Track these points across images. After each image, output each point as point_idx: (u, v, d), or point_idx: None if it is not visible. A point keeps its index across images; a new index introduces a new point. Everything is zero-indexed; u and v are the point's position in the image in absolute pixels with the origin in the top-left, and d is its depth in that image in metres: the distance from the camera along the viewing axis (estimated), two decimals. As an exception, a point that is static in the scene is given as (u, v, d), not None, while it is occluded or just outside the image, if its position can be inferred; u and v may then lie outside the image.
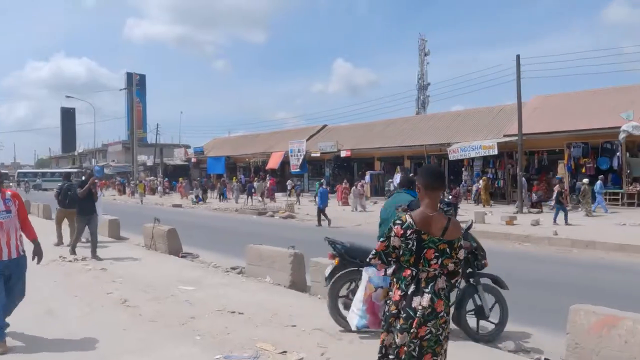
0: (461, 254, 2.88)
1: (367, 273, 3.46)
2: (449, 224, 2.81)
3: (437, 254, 2.77)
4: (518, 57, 21.16)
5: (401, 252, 2.79)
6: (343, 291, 4.99)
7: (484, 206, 21.26)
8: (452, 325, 4.18)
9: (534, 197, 19.66)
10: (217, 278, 7.61)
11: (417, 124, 31.28)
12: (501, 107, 26.90)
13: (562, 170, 21.62)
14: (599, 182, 18.26)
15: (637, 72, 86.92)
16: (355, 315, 3.41)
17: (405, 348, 2.73)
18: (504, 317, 4.94)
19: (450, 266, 2.82)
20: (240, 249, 9.16)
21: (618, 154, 19.81)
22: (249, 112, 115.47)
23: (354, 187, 22.66)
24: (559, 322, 5.09)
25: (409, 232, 2.77)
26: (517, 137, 21.27)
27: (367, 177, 28.49)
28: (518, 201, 19.61)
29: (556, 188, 16.04)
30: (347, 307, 4.70)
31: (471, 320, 4.90)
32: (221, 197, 30.93)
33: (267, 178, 31.57)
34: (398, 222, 2.83)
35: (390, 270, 2.90)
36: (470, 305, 4.90)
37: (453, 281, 2.89)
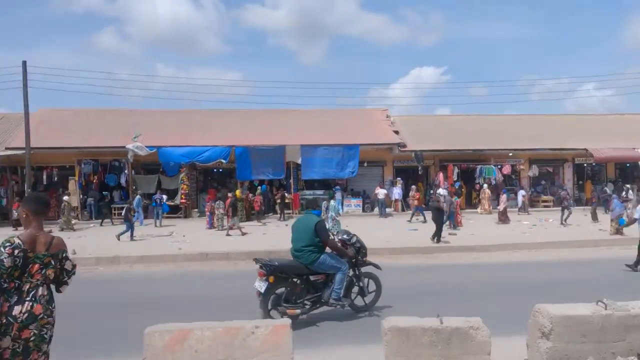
0: (68, 265, 3.48)
1: None
2: (53, 240, 3.43)
3: (41, 267, 3.31)
4: (24, 63, 19.44)
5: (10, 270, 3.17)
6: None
7: None
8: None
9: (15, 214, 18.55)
10: None
11: None
12: (1, 116, 23.75)
13: (73, 186, 21.27)
14: (137, 197, 19.23)
15: (132, 97, 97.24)
16: None
17: (10, 349, 3.17)
18: (378, 292, 6.90)
19: (51, 275, 3.37)
20: None
21: (126, 171, 21.47)
22: None
23: None
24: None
25: (16, 251, 3.22)
26: (23, 151, 19.42)
27: None
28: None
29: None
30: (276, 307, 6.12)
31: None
32: None
33: None
34: (7, 244, 3.22)
35: None
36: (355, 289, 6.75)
37: (62, 289, 3.51)
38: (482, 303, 7.26)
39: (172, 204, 21.13)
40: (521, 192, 22.46)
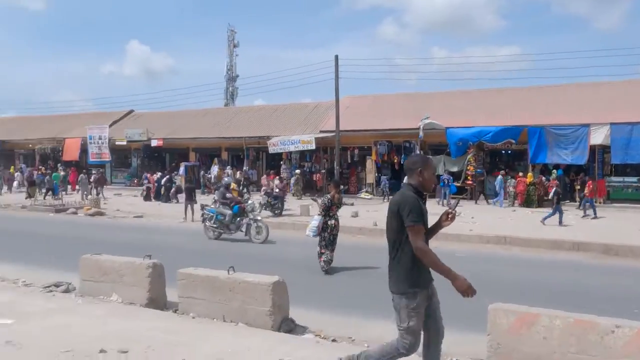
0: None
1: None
2: (340, 196, 8.98)
3: (336, 207, 8.78)
4: (337, 57, 22.45)
5: None
6: None
7: (299, 198, 21.88)
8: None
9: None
10: (40, 301, 5.88)
11: (235, 115, 30.69)
12: (316, 104, 28.21)
13: (370, 165, 23.77)
14: (499, 177, 19.91)
15: (414, 80, 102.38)
16: None
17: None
18: None
19: (337, 209, 8.83)
20: (50, 257, 7.45)
21: (416, 151, 22.59)
22: (16, 91, 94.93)
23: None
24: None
25: (328, 200, 8.59)
26: (333, 134, 22.61)
27: (182, 169, 26.80)
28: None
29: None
30: None
31: None
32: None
33: (67, 170, 27.69)
34: (328, 197, 8.64)
35: None
36: None
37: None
38: None
39: (458, 185, 21.24)
40: None
